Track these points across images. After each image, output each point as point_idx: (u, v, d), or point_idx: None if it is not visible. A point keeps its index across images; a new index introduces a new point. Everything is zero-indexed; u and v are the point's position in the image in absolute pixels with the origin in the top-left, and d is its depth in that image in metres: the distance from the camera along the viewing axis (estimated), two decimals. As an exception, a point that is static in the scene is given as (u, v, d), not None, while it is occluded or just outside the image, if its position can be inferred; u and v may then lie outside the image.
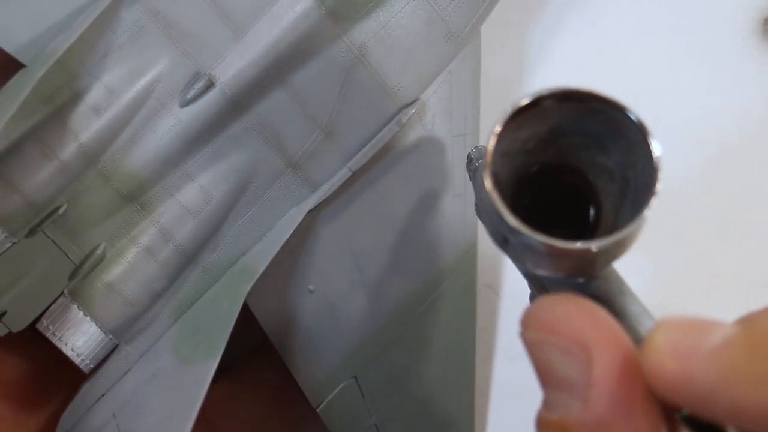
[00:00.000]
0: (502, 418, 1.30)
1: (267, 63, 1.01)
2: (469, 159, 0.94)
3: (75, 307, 1.01)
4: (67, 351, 1.01)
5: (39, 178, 0.98)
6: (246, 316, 1.02)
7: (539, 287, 0.75)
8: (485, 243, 1.21)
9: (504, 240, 0.61)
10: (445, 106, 1.11)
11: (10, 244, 0.97)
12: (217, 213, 1.05)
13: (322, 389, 1.11)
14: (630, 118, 0.59)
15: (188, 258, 1.06)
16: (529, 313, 0.58)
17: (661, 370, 0.52)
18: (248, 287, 0.97)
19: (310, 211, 1.04)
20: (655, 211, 0.56)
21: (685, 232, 1.31)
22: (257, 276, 0.98)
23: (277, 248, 0.99)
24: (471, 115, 1.14)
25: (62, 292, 1.02)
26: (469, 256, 1.16)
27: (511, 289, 1.32)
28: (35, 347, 1.03)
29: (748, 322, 0.51)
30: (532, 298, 0.81)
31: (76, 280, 1.02)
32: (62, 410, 1.05)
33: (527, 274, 0.76)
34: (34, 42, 0.99)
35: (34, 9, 0.99)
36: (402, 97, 1.08)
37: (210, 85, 1.01)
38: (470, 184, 1.15)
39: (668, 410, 0.54)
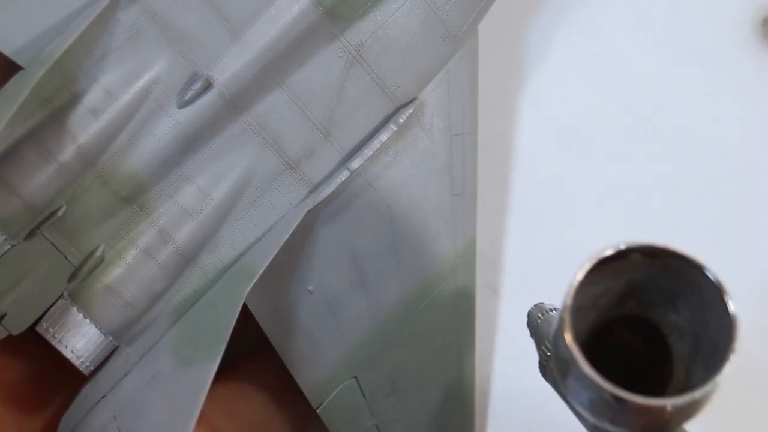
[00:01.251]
0: (502, 418, 1.30)
1: (265, 63, 1.01)
2: (530, 318, 0.94)
3: (74, 309, 1.01)
4: (67, 353, 1.01)
5: (37, 180, 0.98)
6: (245, 315, 1.01)
7: None
8: (484, 242, 1.21)
9: (578, 394, 0.61)
10: (443, 105, 1.11)
11: (9, 246, 0.97)
12: (215, 214, 1.05)
13: (322, 390, 1.11)
14: (707, 276, 0.59)
15: (187, 259, 1.05)
16: None
17: None
18: (248, 288, 0.97)
19: (309, 211, 1.04)
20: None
21: (686, 231, 1.31)
22: (257, 277, 0.98)
23: (277, 249, 0.99)
24: (469, 114, 1.14)
25: (62, 295, 1.02)
26: (468, 255, 1.16)
27: (511, 289, 1.32)
28: (35, 350, 1.03)
29: None
30: None
31: (76, 283, 1.02)
32: (62, 412, 1.05)
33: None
34: (32, 44, 0.99)
35: (31, 12, 0.99)
36: (400, 97, 1.08)
37: (208, 86, 1.01)
38: (469, 182, 1.15)
39: None
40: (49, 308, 1.01)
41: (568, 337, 0.59)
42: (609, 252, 0.61)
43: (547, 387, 1.27)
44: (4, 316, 0.99)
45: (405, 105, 1.08)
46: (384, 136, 1.07)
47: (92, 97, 1.00)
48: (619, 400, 0.57)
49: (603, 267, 0.61)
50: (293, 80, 1.04)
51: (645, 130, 1.31)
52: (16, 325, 0.99)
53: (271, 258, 0.99)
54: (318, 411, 1.10)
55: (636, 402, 0.57)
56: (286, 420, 1.16)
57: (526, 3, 1.32)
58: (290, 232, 1.00)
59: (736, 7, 1.32)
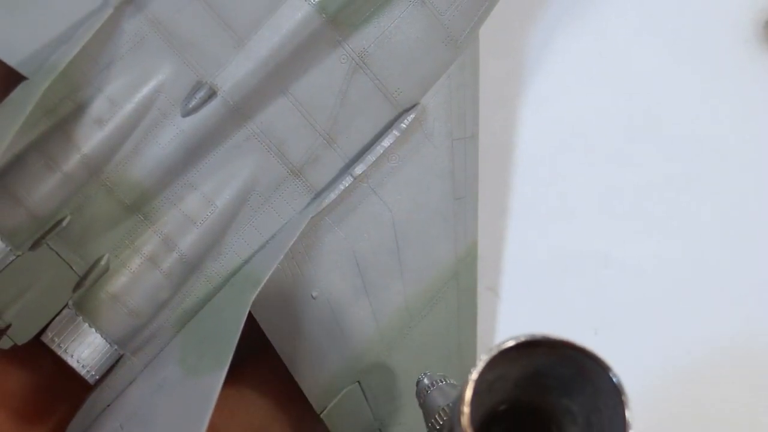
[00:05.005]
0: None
1: (268, 71, 1.01)
2: (420, 387, 0.95)
3: (80, 318, 1.01)
4: (72, 362, 1.00)
5: (42, 190, 0.98)
6: (247, 318, 1.01)
7: None
8: (486, 246, 1.21)
9: None
10: (445, 110, 1.12)
11: (14, 257, 0.97)
12: (220, 221, 1.05)
13: (325, 394, 1.11)
14: (610, 378, 0.62)
15: (192, 267, 1.05)
16: None
17: None
18: (253, 296, 0.97)
19: (312, 217, 1.04)
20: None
21: (683, 230, 1.31)
22: (262, 284, 0.97)
23: (281, 256, 0.99)
24: (471, 119, 1.15)
25: (67, 304, 1.02)
26: (469, 258, 1.17)
27: (511, 291, 1.33)
28: (40, 359, 1.03)
29: None
30: None
31: (81, 292, 1.02)
32: (67, 421, 1.05)
33: None
34: (36, 54, 0.98)
35: (35, 22, 0.99)
36: (402, 102, 1.08)
37: (212, 94, 1.01)
38: (471, 185, 1.15)
39: None
40: (54, 318, 1.01)
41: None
42: (510, 344, 0.63)
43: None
44: (9, 326, 0.98)
45: (407, 110, 1.09)
46: (387, 142, 1.07)
47: (96, 106, 1.00)
48: None
49: (503, 356, 0.63)
50: (297, 87, 1.04)
51: (645, 132, 1.31)
52: (22, 335, 0.99)
53: (275, 265, 0.99)
54: (321, 416, 1.11)
55: None
56: (286, 423, 1.16)
57: (525, 7, 1.33)
58: (294, 239, 1.01)
59: (738, 9, 1.33)
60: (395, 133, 1.07)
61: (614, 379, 0.61)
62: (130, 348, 1.05)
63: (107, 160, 1.01)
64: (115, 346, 1.03)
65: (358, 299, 1.10)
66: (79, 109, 0.99)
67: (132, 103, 1.01)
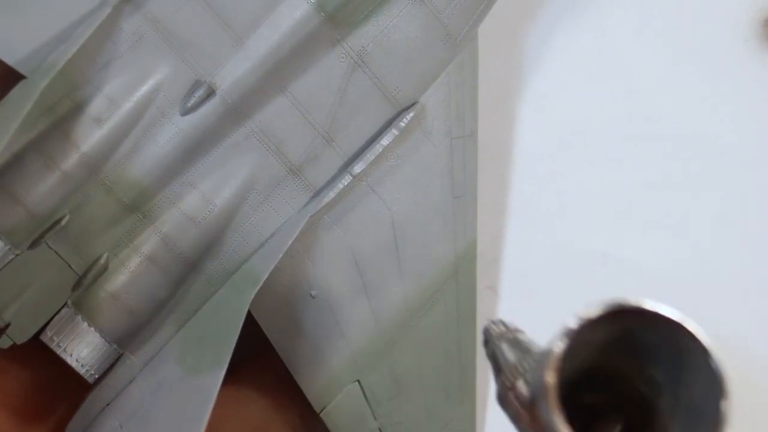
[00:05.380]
0: (502, 420, 1.31)
1: (267, 69, 1.01)
2: (488, 336, 0.89)
3: (79, 317, 1.01)
4: (71, 362, 1.00)
5: (41, 189, 0.98)
6: (246, 317, 1.01)
7: None
8: (485, 244, 1.21)
9: None
10: (444, 109, 1.12)
11: (13, 256, 0.97)
12: (218, 220, 1.05)
13: (325, 394, 1.11)
14: (699, 341, 0.58)
15: (191, 266, 1.05)
16: None
17: None
18: (252, 295, 0.97)
19: (311, 216, 1.04)
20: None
21: (683, 228, 1.31)
22: (260, 283, 0.97)
23: (280, 255, 0.99)
24: (470, 117, 1.14)
25: (66, 303, 1.02)
26: (469, 257, 1.17)
27: (511, 289, 1.33)
28: (39, 358, 1.02)
29: None
30: None
31: (80, 291, 1.02)
32: (67, 420, 1.05)
33: None
34: (35, 53, 0.98)
35: (33, 21, 0.99)
36: (401, 101, 1.08)
37: (210, 92, 1.01)
38: (470, 184, 1.15)
39: None
40: (53, 317, 1.01)
41: (555, 410, 0.58)
42: (597, 312, 0.59)
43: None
44: (8, 325, 0.99)
45: (406, 109, 1.09)
46: (386, 141, 1.07)
47: (95, 105, 1.00)
48: None
49: (591, 324, 0.60)
50: (295, 86, 1.04)
51: (644, 130, 1.31)
52: (21, 335, 0.99)
53: (274, 264, 0.99)
54: (321, 415, 1.10)
55: None
56: (286, 422, 1.16)
57: (524, 5, 1.33)
58: (293, 238, 1.00)
59: (737, 7, 1.33)
60: (394, 131, 1.07)
61: (713, 366, 0.57)
62: (129, 347, 1.05)
63: (106, 158, 1.01)
64: (115, 345, 1.03)
65: (357, 298, 1.10)
66: (77, 108, 0.99)
67: (131, 101, 1.01)
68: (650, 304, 0.59)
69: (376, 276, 1.10)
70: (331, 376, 1.10)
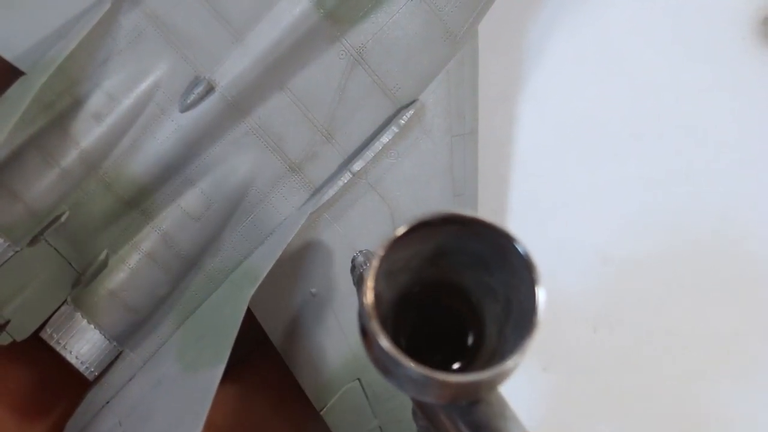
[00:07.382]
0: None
1: (266, 66, 1.01)
2: (353, 265, 0.91)
3: (78, 314, 1.01)
4: (71, 359, 1.01)
5: (40, 185, 0.98)
6: (246, 315, 1.01)
7: (422, 409, 0.72)
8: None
9: (385, 369, 0.59)
10: (444, 106, 1.12)
11: (12, 252, 0.97)
12: (218, 217, 1.05)
13: (325, 392, 1.10)
14: (516, 249, 0.58)
15: (190, 263, 1.05)
16: None
17: None
18: (251, 292, 0.97)
19: (311, 214, 1.04)
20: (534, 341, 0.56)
21: (683, 226, 1.31)
22: (260, 280, 0.98)
23: (280, 252, 0.99)
24: (470, 115, 1.14)
25: (65, 300, 1.02)
26: (469, 256, 1.16)
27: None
28: (39, 356, 1.03)
29: None
30: (414, 414, 0.79)
31: (79, 288, 1.02)
32: (66, 418, 1.05)
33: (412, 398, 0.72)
34: (33, 49, 0.98)
35: (32, 16, 0.99)
36: (401, 98, 1.08)
37: (210, 89, 1.01)
38: (470, 182, 1.15)
39: None
40: (53, 314, 1.01)
41: (375, 327, 0.56)
42: (406, 227, 0.58)
43: (546, 381, 1.27)
44: (8, 322, 0.99)
45: (406, 106, 1.08)
46: (385, 138, 1.07)
47: (95, 101, 1.00)
48: (424, 377, 0.55)
49: (409, 235, 0.59)
50: (295, 83, 1.04)
51: (644, 129, 1.31)
52: (20, 332, 0.99)
53: (274, 261, 0.99)
54: (321, 413, 1.10)
55: (441, 380, 0.55)
56: (286, 420, 1.16)
57: (525, 2, 1.32)
58: (293, 235, 1.00)
59: (736, 5, 1.32)
60: (394, 129, 1.07)
61: (522, 252, 0.58)
62: (129, 344, 1.05)
63: (105, 155, 1.01)
64: (114, 342, 1.03)
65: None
66: (76, 104, 0.99)
67: (130, 98, 1.01)
68: (464, 211, 0.59)
69: None
70: (332, 374, 1.10)
